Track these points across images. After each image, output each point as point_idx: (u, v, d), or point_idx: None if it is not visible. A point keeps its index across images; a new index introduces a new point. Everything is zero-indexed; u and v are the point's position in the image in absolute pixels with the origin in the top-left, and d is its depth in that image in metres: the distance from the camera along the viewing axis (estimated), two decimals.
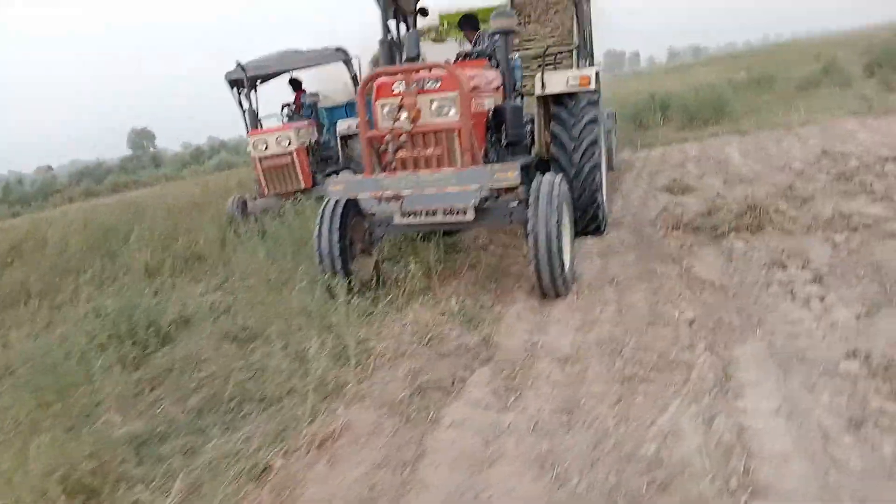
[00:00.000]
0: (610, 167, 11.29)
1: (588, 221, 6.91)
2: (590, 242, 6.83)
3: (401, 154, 4.96)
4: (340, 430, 3.56)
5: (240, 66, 9.56)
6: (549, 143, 6.82)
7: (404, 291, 5.38)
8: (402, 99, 4.84)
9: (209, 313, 5.71)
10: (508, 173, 4.73)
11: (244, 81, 9.79)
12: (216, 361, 4.54)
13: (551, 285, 5.04)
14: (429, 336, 4.55)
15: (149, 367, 4.86)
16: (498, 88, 6.38)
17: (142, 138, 79.33)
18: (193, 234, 9.58)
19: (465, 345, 4.50)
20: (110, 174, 44.63)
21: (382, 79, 5.06)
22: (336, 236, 5.35)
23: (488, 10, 11.71)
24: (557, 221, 4.89)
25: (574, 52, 7.16)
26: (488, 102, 5.61)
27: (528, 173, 6.83)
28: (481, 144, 5.38)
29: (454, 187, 4.73)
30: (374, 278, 5.69)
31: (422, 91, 4.91)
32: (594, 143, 6.71)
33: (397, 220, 5.30)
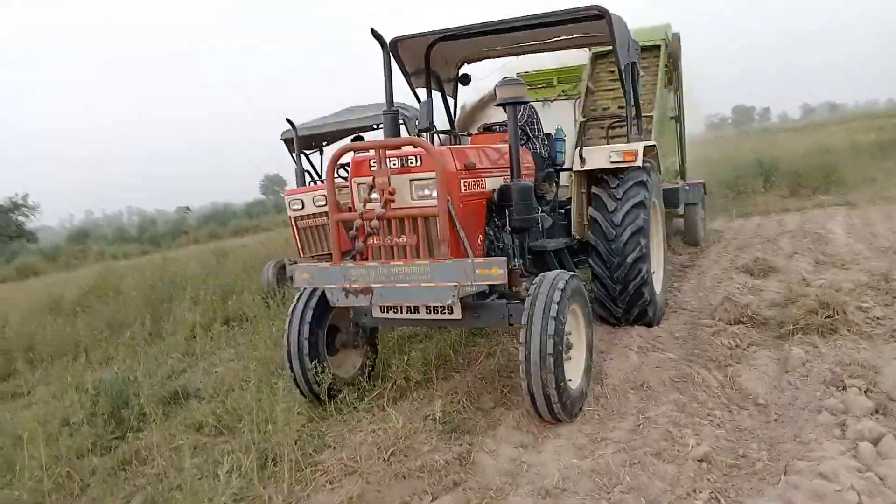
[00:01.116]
0: (696, 242, 10.36)
1: (635, 316, 6.15)
2: (634, 333, 6.05)
3: (372, 241, 4.46)
4: None
5: (291, 126, 9.25)
6: (587, 224, 6.17)
7: (393, 386, 4.84)
8: (373, 178, 4.32)
9: (209, 393, 5.37)
10: (492, 270, 4.05)
11: (294, 141, 9.42)
12: (166, 458, 4.15)
13: (547, 409, 4.23)
14: (393, 449, 3.98)
15: (113, 454, 4.58)
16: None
17: (273, 184, 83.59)
18: (248, 292, 9.50)
19: (434, 462, 3.90)
20: (234, 217, 46.75)
21: (359, 155, 4.60)
22: (305, 333, 4.81)
23: (566, 72, 11.28)
24: (556, 333, 4.10)
25: (628, 121, 6.52)
26: (491, 183, 5.01)
27: (560, 259, 6.22)
28: (476, 231, 4.78)
29: (429, 283, 4.19)
30: (365, 372, 5.19)
31: (401, 170, 4.40)
32: (639, 231, 5.97)
33: (375, 313, 4.78)
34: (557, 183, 6.61)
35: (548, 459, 3.99)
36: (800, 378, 4.74)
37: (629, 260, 5.90)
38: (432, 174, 4.31)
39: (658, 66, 10.24)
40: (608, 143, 7.08)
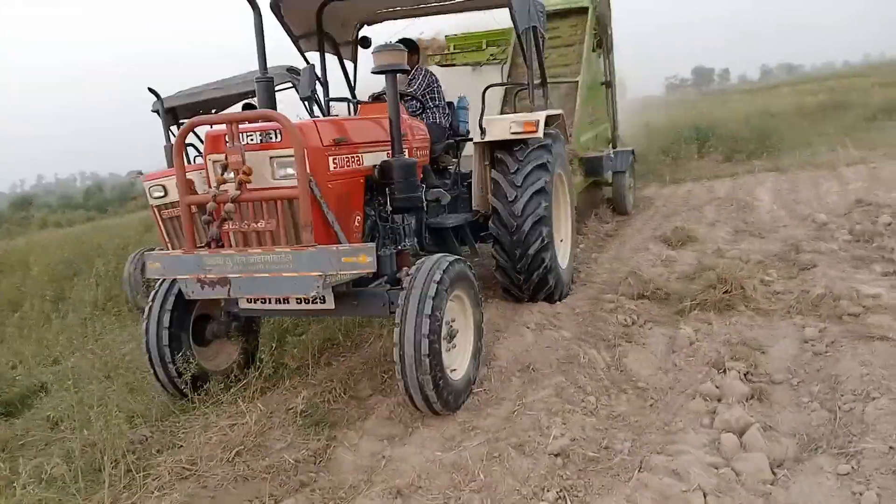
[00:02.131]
0: (623, 211, 10.17)
1: (534, 288, 5.88)
2: (535, 309, 5.83)
3: (228, 227, 4.01)
4: None
5: (156, 96, 7.91)
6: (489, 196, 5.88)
7: (260, 376, 4.54)
8: (225, 156, 3.88)
9: (64, 385, 5.00)
10: (360, 257, 3.71)
11: (161, 113, 8.11)
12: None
13: (426, 407, 3.94)
14: (239, 448, 3.70)
15: None
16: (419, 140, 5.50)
17: None
18: None
19: (283, 462, 3.64)
20: None
21: (215, 128, 4.11)
22: (165, 322, 4.46)
23: (496, 34, 10.88)
24: (431, 331, 3.77)
25: (529, 89, 6.21)
26: (371, 158, 4.62)
27: (461, 236, 5.93)
28: (352, 213, 4.42)
29: (291, 273, 3.78)
30: (243, 362, 4.85)
31: (261, 146, 3.95)
32: (540, 192, 5.69)
33: (242, 304, 4.41)
34: (460, 154, 6.31)
35: (410, 453, 3.75)
36: (685, 359, 4.57)
37: (528, 222, 5.62)
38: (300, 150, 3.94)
39: (585, 29, 9.94)
40: (515, 113, 6.78)
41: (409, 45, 6.26)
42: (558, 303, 6.00)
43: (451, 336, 4.18)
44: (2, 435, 4.33)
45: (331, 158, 4.17)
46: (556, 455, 3.46)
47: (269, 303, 4.27)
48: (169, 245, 7.01)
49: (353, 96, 6.72)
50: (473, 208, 6.02)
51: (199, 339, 4.71)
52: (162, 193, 7.00)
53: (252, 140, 3.96)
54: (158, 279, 4.47)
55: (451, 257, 4.19)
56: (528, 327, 5.48)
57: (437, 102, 6.16)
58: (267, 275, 3.82)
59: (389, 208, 4.66)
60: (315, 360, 5.05)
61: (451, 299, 4.16)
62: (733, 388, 3.90)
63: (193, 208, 4.09)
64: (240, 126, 3.97)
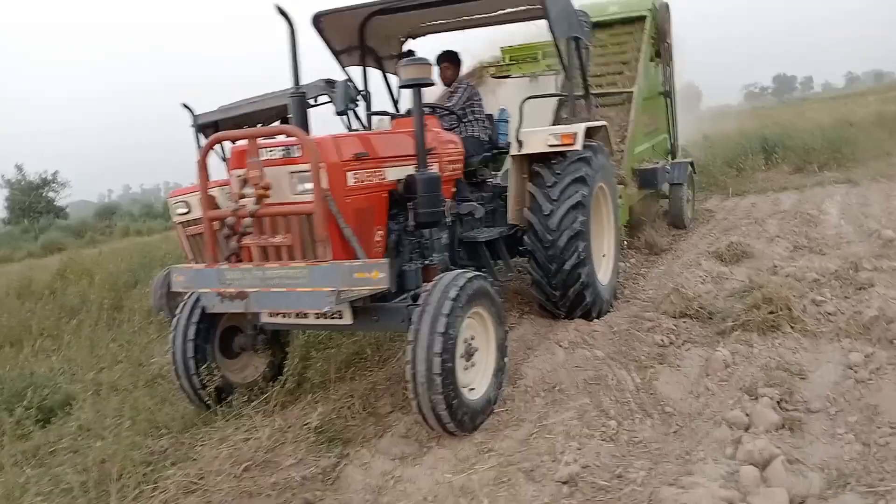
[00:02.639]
0: (681, 224, 9.83)
1: (570, 305, 5.72)
2: (571, 327, 5.67)
3: (247, 241, 4.03)
4: None
5: (189, 111, 7.75)
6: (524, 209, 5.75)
7: (282, 390, 4.55)
8: (246, 171, 3.93)
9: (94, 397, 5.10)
10: (372, 273, 3.68)
11: (198, 129, 7.87)
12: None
13: (440, 427, 3.84)
14: (248, 464, 3.70)
15: None
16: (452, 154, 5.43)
17: None
18: None
19: (291, 479, 3.62)
20: None
21: (240, 144, 4.18)
22: (191, 335, 4.45)
23: (552, 45, 10.72)
24: (444, 350, 3.67)
25: (569, 100, 6.06)
26: (395, 173, 4.54)
27: (496, 251, 5.84)
28: (373, 228, 4.37)
29: (305, 287, 3.76)
30: (270, 375, 4.85)
31: (282, 161, 3.99)
32: (577, 206, 5.55)
33: (264, 318, 4.44)
34: (500, 168, 6.22)
35: (421, 474, 3.68)
36: (718, 383, 4.34)
37: (564, 237, 5.49)
38: (320, 165, 3.91)
39: (643, 38, 9.70)
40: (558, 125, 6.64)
41: (452, 58, 6.23)
42: (596, 320, 5.81)
43: (470, 354, 4.09)
44: (36, 441, 4.47)
45: (350, 173, 4.16)
46: (563, 482, 3.32)
47: (289, 317, 4.29)
48: (193, 262, 6.95)
49: (397, 110, 6.74)
50: (509, 222, 5.92)
51: (226, 352, 4.75)
52: (185, 210, 6.97)
53: (273, 155, 4.01)
54: (186, 292, 4.54)
55: (471, 273, 4.09)
56: (560, 345, 5.33)
57: (476, 116, 6.10)
58: (283, 290, 3.83)
59: (412, 223, 4.61)
60: (341, 375, 5.04)
61: (470, 316, 4.06)
62: (763, 417, 3.66)
63: (215, 223, 4.14)
64: (263, 141, 4.03)
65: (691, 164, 10.23)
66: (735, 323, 5.16)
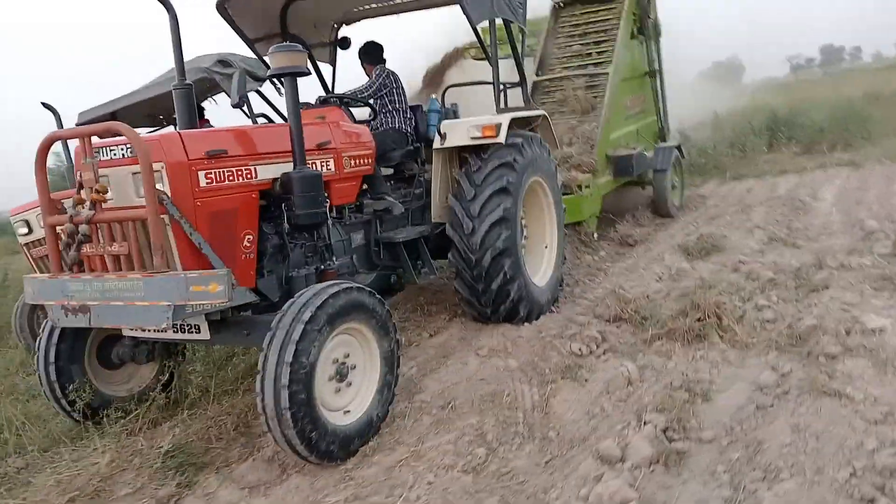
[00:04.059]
0: (666, 213, 9.28)
1: (503, 318, 5.36)
2: (497, 332, 5.29)
3: (86, 250, 3.65)
4: None
5: (51, 111, 6.69)
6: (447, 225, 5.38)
7: (150, 407, 4.27)
8: (79, 174, 3.52)
9: None
10: (209, 286, 3.35)
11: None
12: None
13: (297, 455, 3.49)
14: (77, 493, 3.44)
15: None
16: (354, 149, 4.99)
17: None
18: None
19: None
20: None
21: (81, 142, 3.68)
22: (51, 360, 4.15)
23: (533, 25, 10.18)
24: (293, 381, 3.29)
25: (495, 89, 5.61)
26: (269, 171, 4.13)
27: (416, 250, 5.46)
28: (240, 232, 3.96)
29: (144, 301, 3.43)
30: (158, 385, 4.54)
31: (126, 161, 3.59)
32: (501, 222, 5.14)
33: (125, 330, 4.12)
34: (423, 162, 5.80)
35: None
36: (616, 403, 3.92)
37: (487, 258, 5.11)
38: (159, 165, 3.58)
39: (621, 16, 9.13)
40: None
41: (367, 51, 5.86)
42: (526, 325, 5.41)
43: (342, 375, 3.74)
44: None
45: (201, 173, 3.75)
46: None
47: (145, 330, 3.99)
48: None
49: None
50: (433, 220, 5.53)
51: (107, 363, 4.47)
52: (26, 230, 6.19)
53: (115, 155, 3.65)
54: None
55: (341, 286, 3.69)
56: (478, 353, 4.99)
57: (394, 105, 5.70)
58: (121, 303, 3.52)
59: (286, 226, 4.25)
60: (235, 387, 4.77)
61: (343, 333, 3.70)
62: (637, 449, 3.25)
63: (59, 229, 3.78)
64: (104, 141, 3.70)
65: (678, 148, 9.64)
66: (660, 331, 4.72)
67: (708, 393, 3.82)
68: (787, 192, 9.67)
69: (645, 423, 3.51)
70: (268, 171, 4.15)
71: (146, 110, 7.30)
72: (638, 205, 9.65)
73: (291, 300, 3.55)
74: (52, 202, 3.78)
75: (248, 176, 4.04)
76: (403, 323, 5.75)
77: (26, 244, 6.27)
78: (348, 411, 3.78)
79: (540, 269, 5.89)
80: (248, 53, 6.05)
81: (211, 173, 3.81)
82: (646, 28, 9.63)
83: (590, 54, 9.07)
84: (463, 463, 3.47)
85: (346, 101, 5.46)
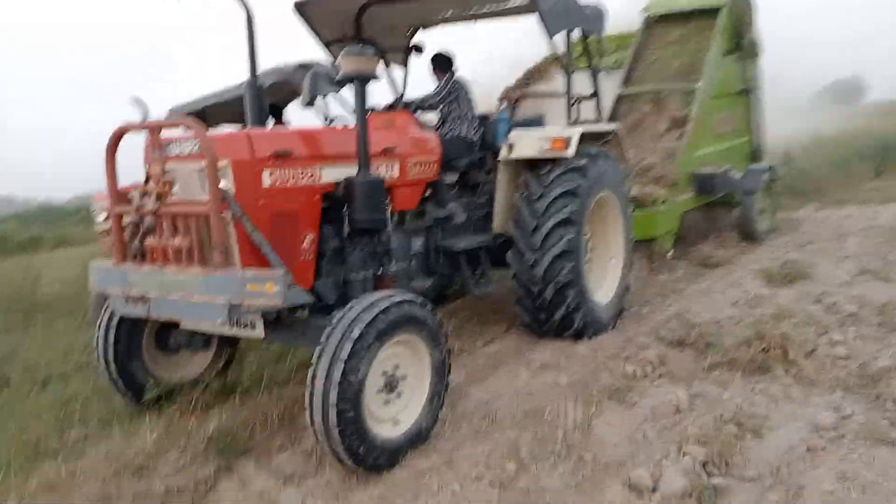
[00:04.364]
0: (752, 237, 8.81)
1: (558, 328, 5.23)
2: (552, 346, 5.21)
3: (150, 241, 3.76)
4: None
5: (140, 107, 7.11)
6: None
7: (205, 391, 4.42)
8: (148, 166, 3.69)
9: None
10: (266, 286, 3.37)
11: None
12: None
13: (337, 461, 3.47)
14: (124, 466, 3.61)
15: None
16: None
17: None
18: None
19: (154, 489, 3.48)
20: None
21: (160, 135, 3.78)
22: (111, 341, 4.26)
23: (626, 38, 9.93)
24: (341, 399, 3.27)
25: (568, 104, 5.51)
26: (334, 173, 4.15)
27: (476, 259, 5.44)
28: (300, 233, 4.00)
29: (201, 296, 3.50)
30: (216, 370, 4.70)
31: (195, 157, 3.63)
32: (565, 223, 5.07)
33: (183, 323, 4.21)
34: (489, 171, 5.70)
35: (296, 499, 3.46)
36: (660, 431, 3.77)
37: (547, 257, 5.03)
38: (224, 162, 3.63)
39: (715, 32, 8.79)
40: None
41: (438, 62, 5.83)
42: (584, 341, 5.28)
43: (392, 386, 3.70)
44: None
45: (266, 173, 3.82)
46: None
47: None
48: None
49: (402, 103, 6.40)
50: (494, 231, 5.48)
51: (164, 348, 4.58)
52: (104, 217, 6.22)
53: (184, 150, 3.76)
54: None
55: (393, 299, 3.59)
56: (529, 367, 4.92)
57: (461, 113, 5.66)
58: (179, 297, 3.60)
59: (346, 229, 4.29)
60: (287, 377, 4.88)
61: (394, 345, 3.62)
62: (670, 482, 3.12)
63: (125, 220, 3.90)
64: (174, 135, 3.84)
65: (770, 170, 9.17)
66: (721, 359, 4.50)
67: (760, 429, 3.61)
68: (887, 221, 9.03)
69: (684, 454, 3.35)
70: (332, 174, 4.19)
71: (234, 109, 7.56)
72: (725, 226, 9.25)
73: (341, 313, 3.48)
74: (120, 192, 3.92)
75: (313, 178, 4.09)
76: (459, 330, 5.73)
77: (102, 231, 6.39)
78: (398, 422, 3.74)
79: (603, 286, 5.74)
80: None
81: (275, 173, 3.87)
82: (742, 45, 9.23)
83: (680, 69, 8.77)
84: (492, 476, 3.42)
85: (416, 107, 5.49)
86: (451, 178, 5.50)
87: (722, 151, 8.91)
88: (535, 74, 10.92)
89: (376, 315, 3.44)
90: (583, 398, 4.26)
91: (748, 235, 8.88)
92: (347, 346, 3.31)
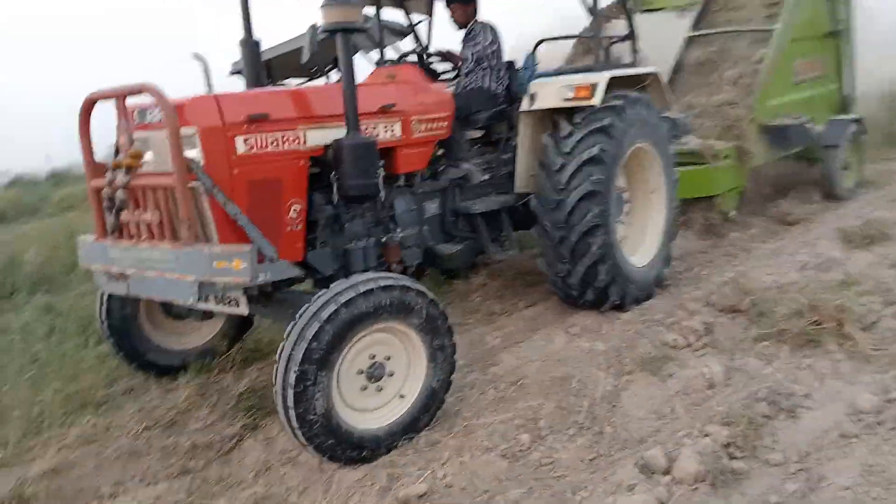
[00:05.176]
0: (833, 194, 8.18)
1: (581, 282, 4.87)
2: (595, 312, 5.04)
3: (124, 216, 3.51)
4: None
5: (201, 61, 5.82)
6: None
7: (241, 349, 4.54)
8: (117, 137, 3.36)
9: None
10: (233, 262, 3.15)
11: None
12: None
13: (293, 436, 3.27)
14: (154, 422, 3.77)
15: None
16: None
17: None
18: None
19: (181, 444, 3.63)
20: None
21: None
22: (104, 307, 4.18)
23: None
24: (302, 402, 3.08)
25: (594, 43, 5.06)
26: (320, 136, 3.80)
27: (496, 221, 5.08)
28: (285, 202, 3.70)
29: (171, 273, 3.30)
30: (227, 338, 4.64)
31: (158, 125, 3.34)
32: (593, 160, 4.70)
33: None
34: (514, 126, 5.19)
35: (305, 461, 3.50)
36: (689, 406, 3.59)
37: (574, 234, 4.70)
38: (192, 129, 3.33)
39: None
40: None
41: None
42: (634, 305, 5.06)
43: (375, 376, 3.46)
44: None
45: (239, 139, 3.49)
46: (404, 501, 2.96)
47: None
48: None
49: (427, 55, 5.77)
50: (516, 190, 5.14)
51: (171, 314, 4.40)
52: None
53: (154, 118, 3.44)
54: None
55: (380, 282, 3.29)
56: (568, 331, 4.83)
57: (489, 62, 5.19)
58: (154, 273, 3.41)
59: (335, 197, 3.95)
60: None
61: (378, 332, 3.38)
62: (684, 464, 2.96)
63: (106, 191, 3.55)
64: (146, 101, 3.45)
65: (857, 121, 8.44)
66: (769, 330, 4.24)
67: (795, 409, 3.38)
68: None
69: (706, 434, 3.18)
70: (319, 137, 3.84)
71: (299, 60, 7.47)
72: (808, 180, 8.65)
73: (320, 293, 3.24)
74: (96, 165, 3.65)
75: (297, 142, 3.75)
76: (502, 290, 5.64)
77: None
78: (381, 414, 3.50)
79: (636, 254, 5.33)
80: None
81: (251, 139, 3.55)
82: None
83: (760, 9, 8.10)
84: (505, 447, 3.37)
85: (431, 57, 5.12)
86: (475, 133, 5.18)
87: (803, 101, 8.22)
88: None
89: (351, 298, 3.17)
90: (616, 368, 4.12)
91: (830, 194, 8.26)
92: (300, 348, 3.07)
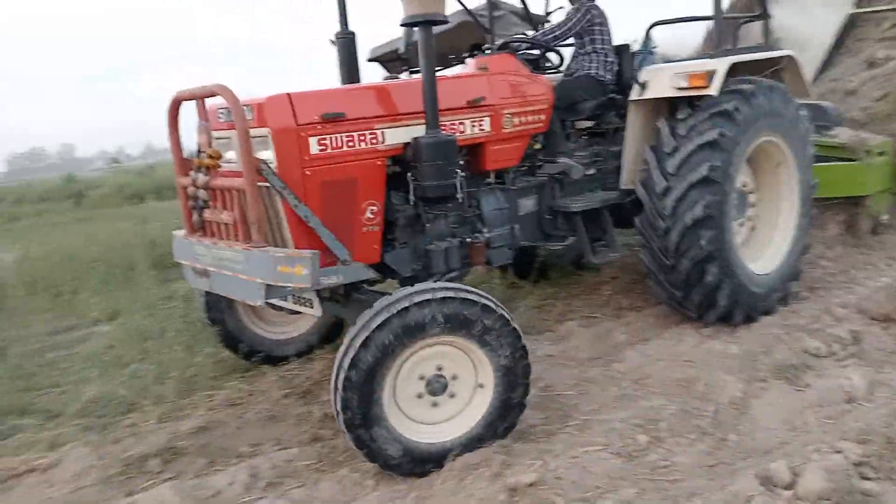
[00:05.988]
0: None
1: (699, 307, 4.54)
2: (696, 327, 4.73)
3: (207, 215, 3.52)
4: None
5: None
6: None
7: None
8: (198, 137, 3.36)
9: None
10: (295, 268, 3.11)
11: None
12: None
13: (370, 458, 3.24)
14: (292, 389, 4.07)
15: None
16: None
17: None
18: None
19: (313, 413, 3.89)
20: None
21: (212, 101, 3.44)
22: (203, 308, 4.35)
23: None
24: (358, 368, 3.02)
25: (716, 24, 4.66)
26: (399, 135, 3.69)
27: (599, 220, 4.84)
28: (360, 204, 3.62)
29: (243, 274, 3.27)
30: (321, 333, 4.71)
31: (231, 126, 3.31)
32: (703, 182, 4.30)
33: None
34: (625, 116, 4.86)
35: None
36: (823, 420, 3.39)
37: (680, 224, 4.32)
38: (264, 130, 3.31)
39: None
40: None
41: None
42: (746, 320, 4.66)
43: (434, 393, 3.33)
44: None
45: (313, 140, 3.41)
46: (511, 489, 3.02)
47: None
48: None
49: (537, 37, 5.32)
50: (622, 186, 4.85)
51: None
52: None
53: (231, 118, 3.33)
54: None
55: (438, 293, 3.14)
56: (700, 332, 4.66)
57: (594, 46, 4.89)
58: (230, 273, 3.37)
59: (412, 200, 3.84)
60: None
61: (438, 345, 3.25)
62: (809, 481, 2.81)
63: (190, 190, 3.60)
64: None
65: None
66: None
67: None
68: None
69: (837, 450, 3.00)
70: (398, 135, 3.72)
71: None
72: None
73: (381, 300, 3.15)
74: (185, 163, 3.63)
75: (374, 141, 3.63)
76: (631, 285, 5.53)
77: None
78: (441, 429, 3.37)
79: (759, 262, 4.86)
80: None
81: (325, 139, 3.45)
82: None
83: None
84: (620, 445, 3.33)
85: (536, 46, 4.79)
86: (582, 123, 4.96)
87: None
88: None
89: (404, 308, 3.05)
90: (748, 373, 3.95)
91: None
92: (341, 375, 3.03)
